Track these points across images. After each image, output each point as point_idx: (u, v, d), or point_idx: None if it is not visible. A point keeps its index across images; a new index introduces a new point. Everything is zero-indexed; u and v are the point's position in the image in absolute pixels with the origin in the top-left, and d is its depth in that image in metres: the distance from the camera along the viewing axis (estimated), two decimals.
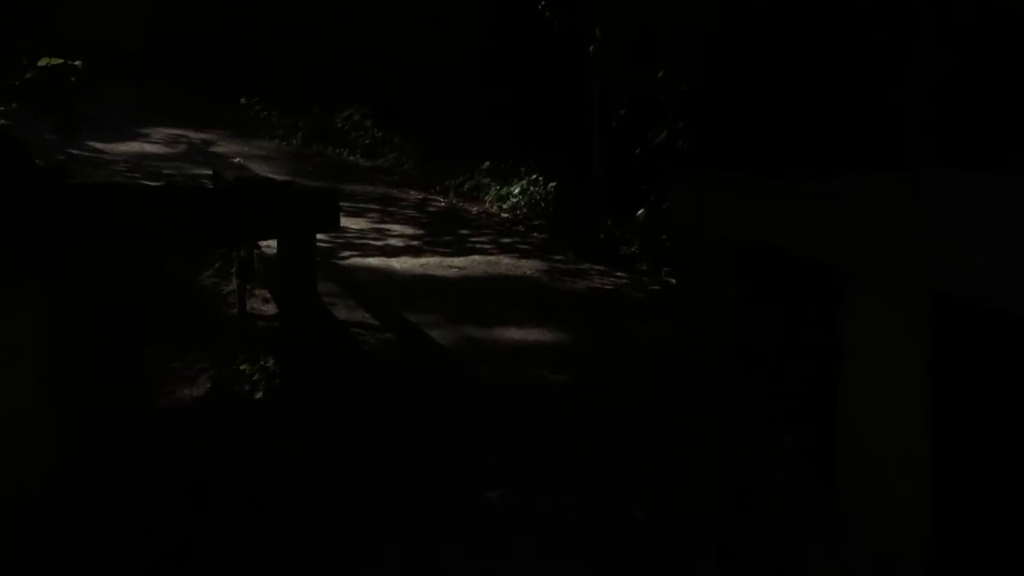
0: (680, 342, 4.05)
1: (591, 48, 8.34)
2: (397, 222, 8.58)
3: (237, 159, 10.82)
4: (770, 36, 6.49)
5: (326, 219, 4.10)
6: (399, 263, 6.84)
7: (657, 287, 6.77)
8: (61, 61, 6.10)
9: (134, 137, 11.19)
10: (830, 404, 1.71)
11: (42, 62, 6.60)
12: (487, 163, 10.66)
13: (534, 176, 10.06)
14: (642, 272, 7.42)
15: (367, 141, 12.40)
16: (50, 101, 3.74)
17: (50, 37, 14.40)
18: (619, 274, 7.12)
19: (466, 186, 10.44)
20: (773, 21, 6.45)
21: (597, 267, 7.29)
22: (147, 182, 8.99)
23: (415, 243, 7.70)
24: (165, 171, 9.65)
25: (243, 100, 13.19)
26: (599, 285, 6.67)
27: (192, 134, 11.89)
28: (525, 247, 7.93)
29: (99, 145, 10.37)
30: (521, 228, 9.03)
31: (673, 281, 6.92)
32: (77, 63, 6.52)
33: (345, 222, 8.35)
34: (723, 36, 7.58)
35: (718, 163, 7.13)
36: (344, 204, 9.24)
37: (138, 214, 2.31)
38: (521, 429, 3.69)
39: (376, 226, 8.32)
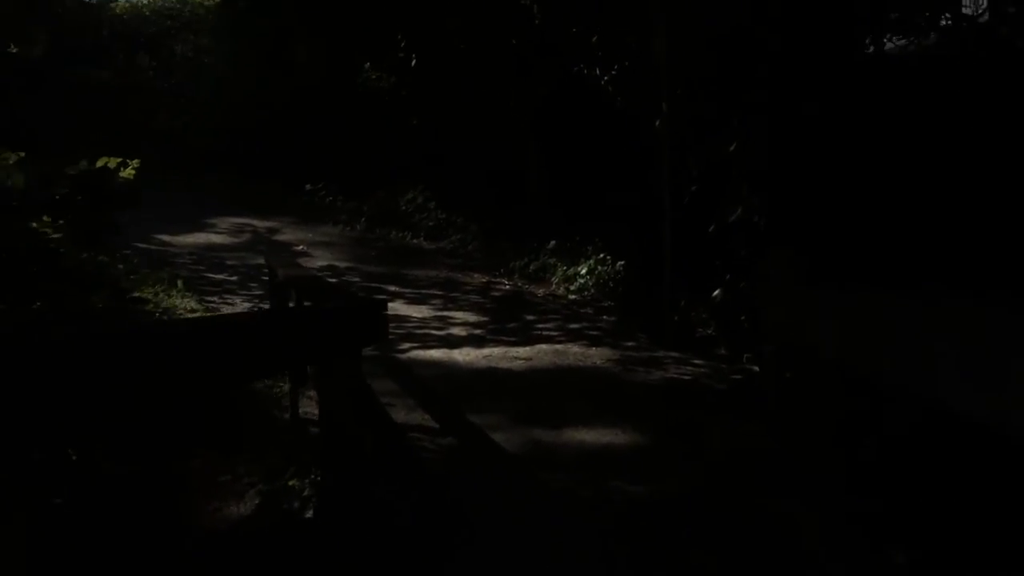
0: (775, 454, 3.58)
1: (657, 123, 8.03)
2: (460, 308, 8.28)
3: (300, 246, 10.78)
4: (852, 110, 6.08)
5: (374, 334, 3.78)
6: (462, 355, 6.50)
7: (739, 376, 6.25)
8: (107, 162, 6.01)
9: (201, 228, 11.27)
10: None
11: (100, 162, 6.56)
12: (552, 242, 10.36)
13: (601, 255, 9.70)
14: (720, 357, 6.91)
15: (430, 223, 12.26)
16: (84, 215, 3.54)
17: (121, 128, 14.88)
18: (696, 362, 6.63)
19: (531, 267, 10.13)
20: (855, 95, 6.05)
21: (672, 354, 6.82)
22: (209, 274, 8.95)
23: (478, 331, 7.37)
24: (228, 262, 9.60)
25: (308, 186, 13.26)
26: (675, 375, 6.20)
27: (257, 222, 11.93)
28: (594, 332, 7.52)
29: (166, 237, 10.44)
30: (589, 311, 8.64)
31: (756, 369, 6.42)
32: (130, 167, 6.46)
33: (407, 310, 8.14)
34: (801, 107, 7.21)
35: (797, 243, 6.66)
36: (406, 291, 9.11)
37: (180, 361, 2.02)
38: (595, 555, 3.24)
39: (438, 313, 8.03)
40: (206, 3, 16.28)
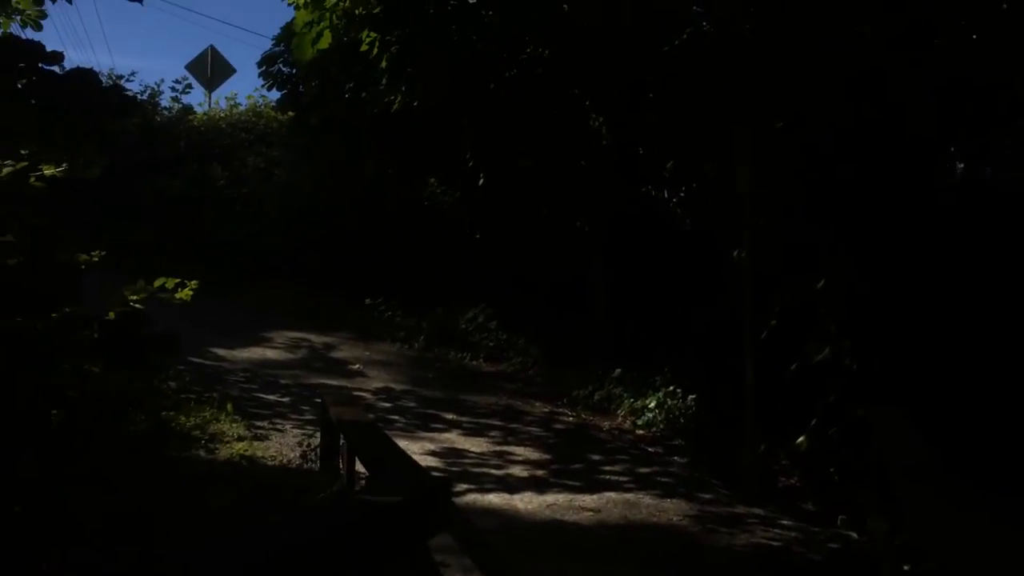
0: None
1: (736, 252, 7.59)
2: (521, 443, 7.76)
3: (356, 365, 10.45)
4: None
5: (438, 524, 3.30)
6: (522, 502, 5.94)
7: (836, 545, 5.55)
8: (164, 282, 5.77)
9: (257, 342, 11.06)
10: None
11: (158, 282, 6.33)
12: (618, 370, 9.84)
13: (671, 387, 9.13)
14: (809, 516, 6.22)
15: (490, 343, 11.87)
16: (121, 352, 3.21)
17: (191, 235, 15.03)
18: (784, 522, 5.96)
19: (596, 396, 9.59)
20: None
21: (755, 511, 6.15)
22: (261, 394, 8.62)
23: (540, 472, 6.82)
24: (282, 380, 9.29)
25: (368, 300, 13.07)
26: (762, 539, 5.53)
27: (315, 337, 11.70)
28: (666, 480, 6.90)
29: (222, 352, 10.23)
30: (659, 450, 8.03)
31: (855, 536, 5.73)
32: (188, 287, 6.22)
33: (464, 443, 7.65)
34: (892, 242, 6.73)
35: (897, 394, 6.06)
36: (463, 419, 8.64)
37: None
38: None
39: (497, 448, 7.51)
40: (280, 117, 16.66)
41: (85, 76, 3.37)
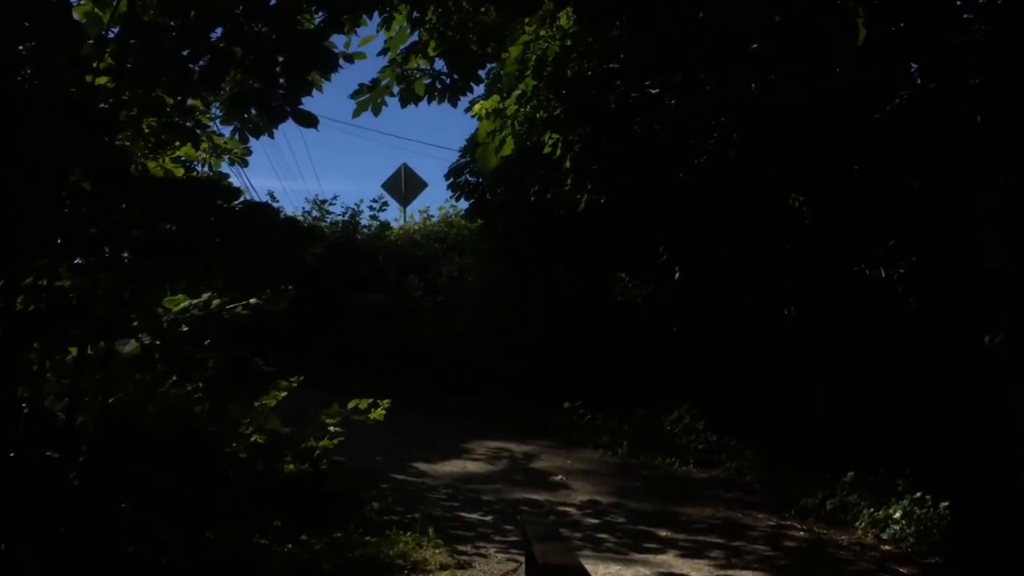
0: None
1: (988, 337, 6.52)
2: (748, 566, 6.88)
3: (558, 476, 9.95)
4: None
5: None
6: None
7: None
8: (357, 403, 5.62)
9: (458, 453, 10.86)
10: None
11: (351, 404, 6.20)
12: (850, 474, 8.70)
13: (917, 494, 7.92)
14: None
15: (699, 446, 11.03)
16: (303, 512, 2.92)
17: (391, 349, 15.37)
18: None
19: (828, 505, 8.49)
20: None
21: None
22: (463, 513, 8.29)
23: None
24: (484, 496, 8.94)
25: (566, 404, 12.65)
26: None
27: (515, 447, 11.36)
28: None
29: (423, 466, 10.09)
30: (915, 572, 6.86)
31: None
32: (380, 407, 6.03)
33: (684, 566, 6.85)
34: None
35: None
36: (679, 536, 7.82)
37: None
38: None
39: (723, 573, 6.68)
40: (470, 226, 16.98)
41: (265, 211, 3.24)
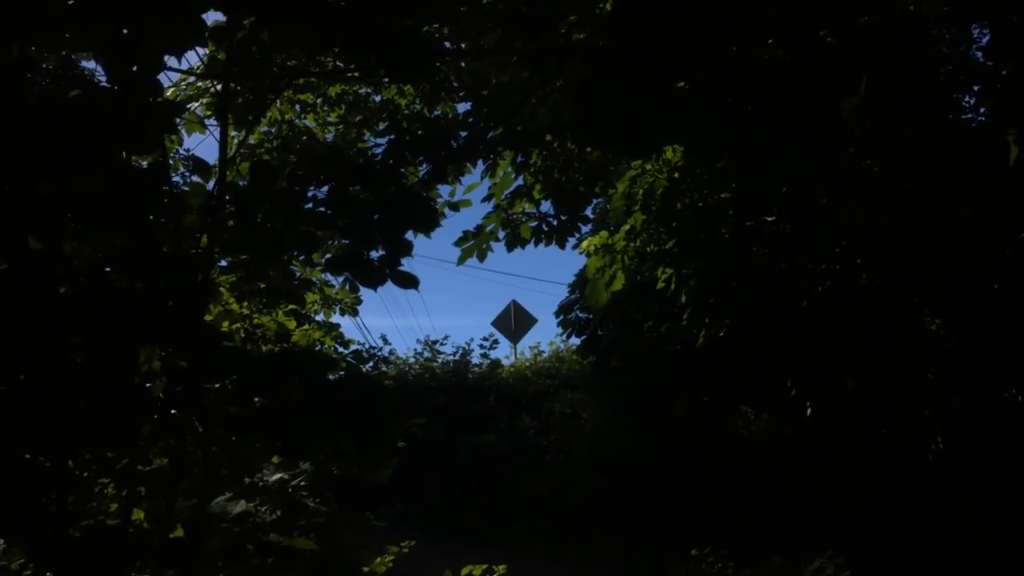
0: None
1: None
2: None
3: None
4: None
5: None
6: None
7: None
8: (471, 569, 5.19)
9: None
10: None
11: (465, 569, 5.79)
12: None
13: None
14: None
15: None
16: None
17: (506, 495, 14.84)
18: None
19: None
20: None
21: None
22: None
23: None
24: None
25: (694, 551, 11.74)
26: None
27: None
28: None
29: None
30: None
31: None
32: (497, 572, 5.63)
33: None
34: None
35: None
36: None
37: None
38: None
39: None
40: (580, 362, 16.62)
41: (366, 382, 3.01)
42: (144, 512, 3.23)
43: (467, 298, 48.85)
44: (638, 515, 12.95)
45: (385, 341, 30.12)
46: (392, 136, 5.40)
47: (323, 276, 6.28)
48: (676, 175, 8.71)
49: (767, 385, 10.95)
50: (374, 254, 3.20)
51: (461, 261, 6.10)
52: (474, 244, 6.06)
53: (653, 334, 11.77)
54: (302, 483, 3.88)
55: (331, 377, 3.03)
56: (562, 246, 6.58)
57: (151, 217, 2.60)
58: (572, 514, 14.00)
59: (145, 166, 2.69)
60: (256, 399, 2.90)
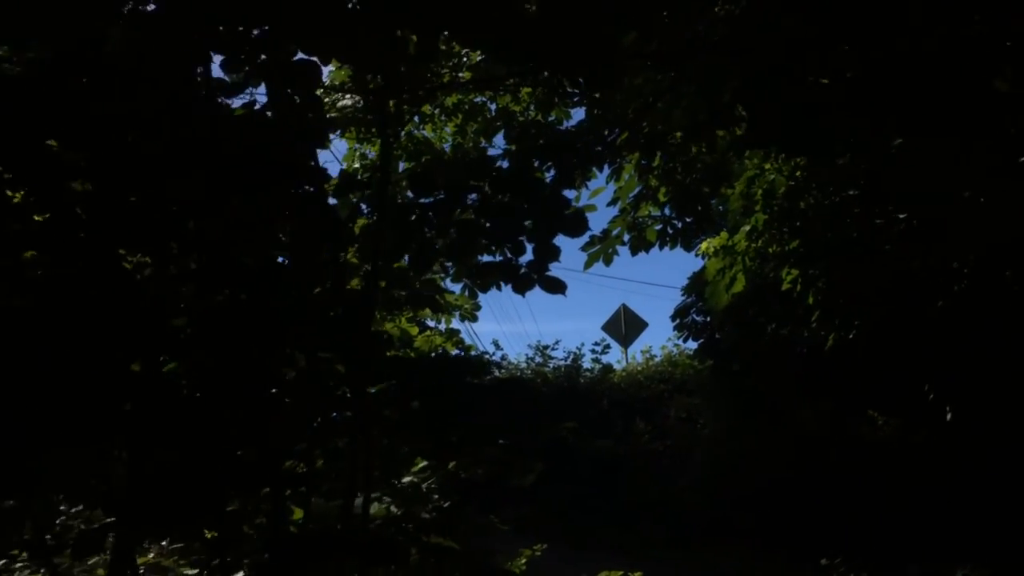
0: None
1: None
2: None
3: None
4: None
5: None
6: None
7: None
8: None
9: None
10: None
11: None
12: None
13: None
14: None
15: None
16: None
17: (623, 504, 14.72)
18: None
19: None
20: None
21: None
22: None
23: None
24: None
25: (824, 561, 11.34)
26: None
27: None
28: None
29: None
30: None
31: None
32: None
33: None
34: None
35: None
36: None
37: None
38: None
39: None
40: (697, 366, 16.34)
41: (519, 387, 3.05)
42: (303, 512, 3.37)
43: (571, 303, 48.85)
44: (759, 522, 12.62)
45: (497, 346, 30.40)
46: (515, 143, 5.46)
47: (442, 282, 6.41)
48: (799, 174, 8.47)
49: (900, 389, 10.50)
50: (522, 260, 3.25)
51: (588, 265, 6.11)
52: (600, 248, 6.06)
53: (775, 336, 11.46)
54: (432, 485, 3.97)
55: (486, 383, 3.09)
56: (688, 248, 6.52)
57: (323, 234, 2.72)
58: (690, 520, 13.77)
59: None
60: (414, 402, 2.99)
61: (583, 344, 42.50)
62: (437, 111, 8.07)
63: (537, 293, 2.95)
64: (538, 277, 3.24)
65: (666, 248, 6.53)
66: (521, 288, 3.27)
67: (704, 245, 9.07)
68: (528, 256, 3.23)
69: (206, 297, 2.23)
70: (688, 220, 6.44)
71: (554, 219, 2.95)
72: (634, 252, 6.42)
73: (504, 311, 56.69)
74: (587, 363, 19.56)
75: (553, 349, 20.06)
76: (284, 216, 2.62)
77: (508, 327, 34.95)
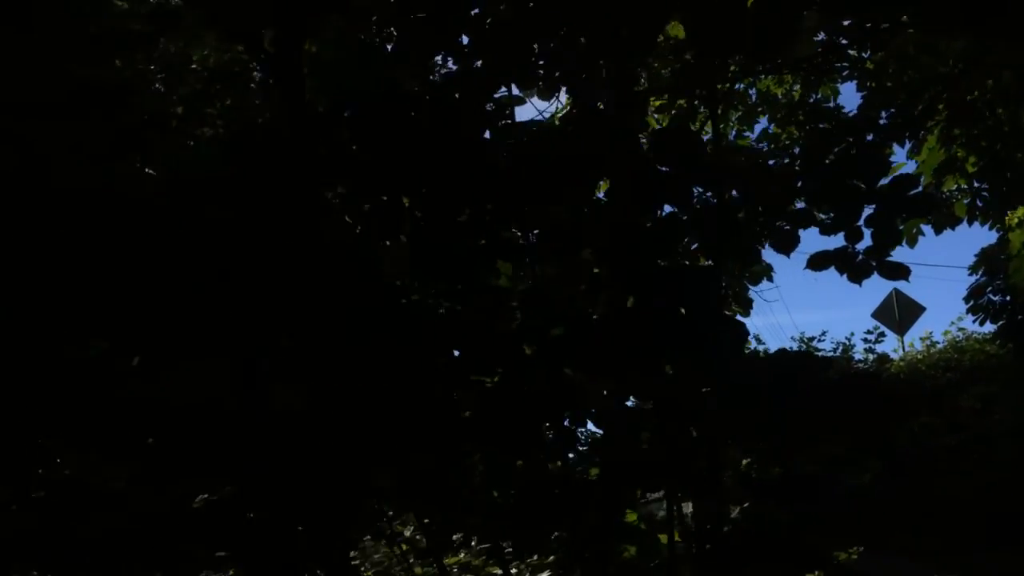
0: None
1: None
2: None
3: None
4: None
5: None
6: None
7: None
8: None
9: None
10: None
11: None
12: None
13: None
14: None
15: None
16: None
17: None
18: None
19: None
20: None
21: None
22: None
23: None
24: None
25: None
26: None
27: None
28: None
29: None
30: None
31: None
32: None
33: None
34: None
35: None
36: None
37: None
38: None
39: None
40: (987, 349, 14.79)
41: (865, 381, 2.90)
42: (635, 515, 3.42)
43: (824, 293, 46.00)
44: None
45: (759, 340, 29.33)
46: (809, 126, 5.23)
47: None
48: None
49: None
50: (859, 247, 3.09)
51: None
52: (904, 228, 5.63)
53: None
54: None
55: (830, 377, 2.97)
56: (1002, 222, 5.89)
57: None
58: (995, 521, 12.46)
59: None
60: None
61: (852, 334, 39.82)
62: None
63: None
64: (877, 263, 3.07)
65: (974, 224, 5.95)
66: (859, 276, 3.11)
67: (1009, 217, 8.18)
68: (866, 242, 3.08)
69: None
70: (1001, 191, 5.82)
71: (900, 202, 2.77)
72: (938, 231, 5.90)
73: (758, 304, 54.50)
74: (858, 354, 18.39)
75: (819, 340, 19.07)
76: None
77: (760, 320, 33.50)
